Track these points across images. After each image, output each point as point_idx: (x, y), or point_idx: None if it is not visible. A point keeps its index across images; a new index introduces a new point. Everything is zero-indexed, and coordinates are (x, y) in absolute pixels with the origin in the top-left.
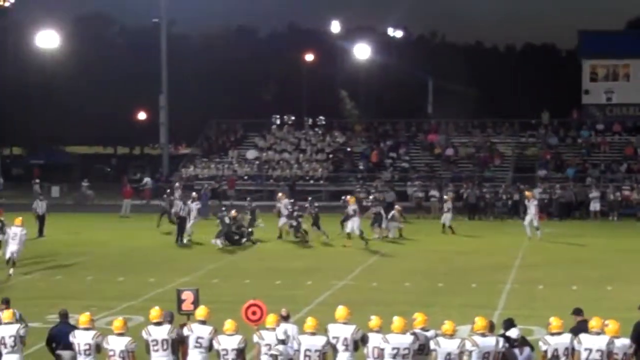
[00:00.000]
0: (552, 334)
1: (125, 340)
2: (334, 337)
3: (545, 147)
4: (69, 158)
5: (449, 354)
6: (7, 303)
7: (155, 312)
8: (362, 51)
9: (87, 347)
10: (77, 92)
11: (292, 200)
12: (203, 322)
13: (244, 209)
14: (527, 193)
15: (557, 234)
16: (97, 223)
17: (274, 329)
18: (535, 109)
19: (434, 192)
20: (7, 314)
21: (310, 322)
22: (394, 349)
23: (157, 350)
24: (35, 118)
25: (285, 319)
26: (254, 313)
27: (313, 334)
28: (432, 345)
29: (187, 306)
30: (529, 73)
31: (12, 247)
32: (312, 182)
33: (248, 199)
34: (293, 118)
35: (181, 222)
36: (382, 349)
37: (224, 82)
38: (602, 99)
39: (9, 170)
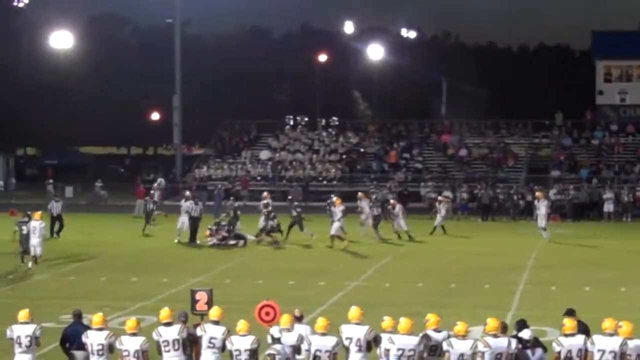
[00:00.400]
0: (566, 335)
1: (140, 340)
2: (347, 338)
3: (559, 148)
4: (83, 158)
5: (461, 355)
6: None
7: (164, 313)
8: (375, 52)
9: (100, 347)
10: (90, 93)
11: (266, 202)
12: (216, 323)
13: (225, 209)
14: (537, 194)
15: (571, 235)
16: (111, 223)
17: (288, 330)
18: (548, 110)
19: (447, 193)
20: (24, 314)
21: (321, 323)
22: (399, 349)
23: (168, 351)
24: (49, 118)
25: (299, 319)
26: (267, 314)
27: (324, 334)
28: (444, 346)
29: (201, 306)
30: (543, 74)
31: (33, 241)
32: (325, 182)
33: (231, 198)
34: (306, 118)
35: (193, 222)
36: (388, 349)
37: (238, 83)
38: (616, 100)
39: (22, 170)
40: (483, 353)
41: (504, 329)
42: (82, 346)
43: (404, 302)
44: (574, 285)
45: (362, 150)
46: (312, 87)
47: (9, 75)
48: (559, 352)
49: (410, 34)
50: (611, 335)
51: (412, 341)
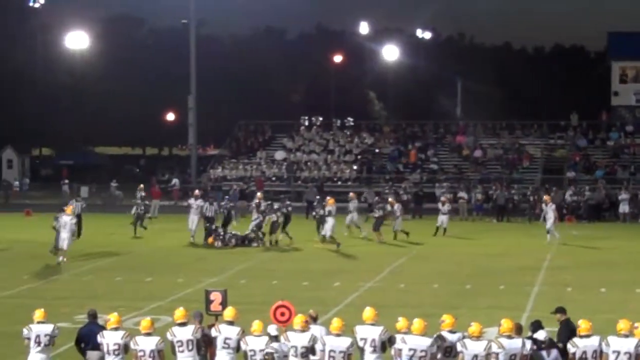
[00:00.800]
0: (581, 337)
1: (155, 339)
2: (361, 339)
3: (574, 148)
4: (98, 159)
5: (475, 356)
6: None
7: (179, 313)
8: (390, 52)
9: (117, 346)
10: (106, 93)
11: (257, 202)
12: (231, 323)
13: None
14: (545, 197)
15: (586, 236)
16: (126, 223)
17: (301, 331)
18: (564, 111)
19: (462, 194)
20: (40, 313)
21: (336, 324)
22: (410, 349)
23: (182, 351)
24: (64, 119)
25: (314, 320)
26: (282, 314)
27: (338, 335)
28: (458, 347)
29: (215, 307)
30: (558, 74)
31: (62, 235)
32: (340, 183)
33: (226, 197)
34: (321, 119)
35: (208, 222)
36: (400, 349)
37: (253, 83)
38: (632, 101)
39: (37, 170)
40: (497, 354)
41: (518, 330)
42: (97, 346)
43: (419, 303)
44: (589, 286)
45: (377, 151)
46: (327, 87)
47: (25, 75)
48: (574, 354)
49: (426, 35)
50: (626, 336)
51: (425, 342)
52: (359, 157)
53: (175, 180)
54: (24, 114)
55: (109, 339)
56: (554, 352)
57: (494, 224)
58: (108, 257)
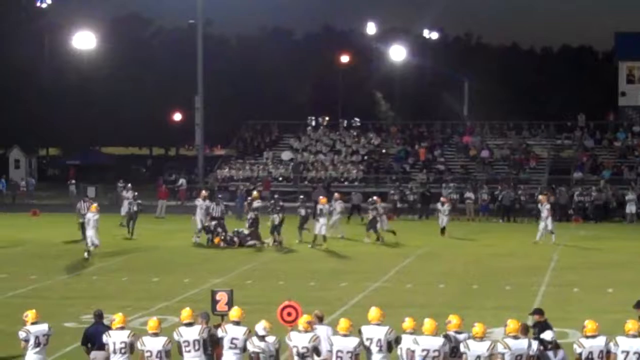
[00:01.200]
0: (587, 337)
1: (162, 340)
2: (367, 339)
3: (581, 149)
4: (105, 159)
5: (478, 356)
6: None
7: (185, 313)
8: (397, 52)
9: (123, 345)
10: (113, 93)
11: (249, 201)
12: (237, 323)
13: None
14: (540, 197)
15: (593, 236)
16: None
17: (305, 331)
18: (571, 111)
19: (469, 194)
20: (32, 314)
21: (343, 324)
22: (423, 350)
23: (189, 351)
24: (71, 119)
25: (320, 320)
26: (289, 314)
27: (346, 335)
28: (461, 348)
29: (221, 307)
30: (566, 75)
31: (88, 232)
32: (346, 183)
33: (219, 197)
34: (328, 119)
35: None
36: (413, 351)
37: (259, 83)
38: (639, 101)
39: (44, 170)
40: (503, 355)
41: (524, 331)
42: (103, 346)
43: (426, 303)
44: (596, 286)
45: (384, 151)
46: (334, 87)
47: (32, 75)
48: (580, 354)
49: (433, 35)
50: (634, 336)
51: (437, 342)
52: (365, 157)
53: (182, 181)
54: (31, 114)
55: (115, 338)
56: (561, 353)
57: (500, 225)
58: (114, 258)
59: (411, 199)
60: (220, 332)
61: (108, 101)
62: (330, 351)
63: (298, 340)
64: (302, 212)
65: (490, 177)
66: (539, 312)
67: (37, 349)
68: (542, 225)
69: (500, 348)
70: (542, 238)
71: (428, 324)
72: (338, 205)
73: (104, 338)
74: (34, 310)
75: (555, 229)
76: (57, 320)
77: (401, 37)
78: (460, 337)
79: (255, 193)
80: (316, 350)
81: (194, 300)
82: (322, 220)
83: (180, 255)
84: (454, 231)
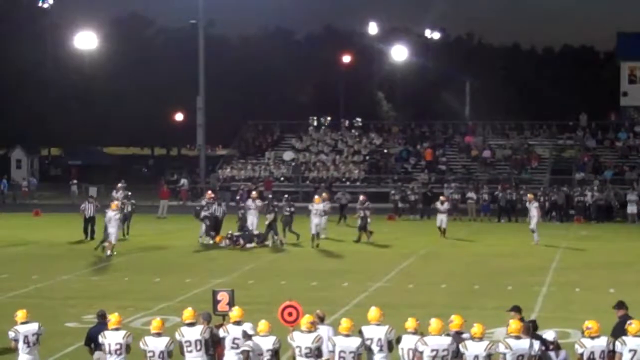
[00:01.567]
0: (591, 337)
1: (165, 340)
2: (367, 339)
3: (583, 149)
4: (107, 159)
5: (476, 356)
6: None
7: (187, 313)
8: (399, 52)
9: (118, 346)
10: (114, 93)
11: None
12: (238, 323)
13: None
14: (528, 196)
15: (595, 236)
16: (134, 224)
17: (308, 331)
18: (573, 111)
19: (471, 194)
20: (22, 314)
21: (345, 324)
22: (432, 350)
23: (190, 351)
24: (73, 119)
25: (322, 320)
26: (290, 314)
27: (347, 335)
28: (460, 348)
29: (222, 307)
30: (567, 75)
31: (110, 230)
32: (348, 183)
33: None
34: (330, 119)
35: (216, 222)
36: (421, 352)
37: (261, 84)
38: None
39: (46, 170)
40: (504, 355)
41: (526, 331)
42: None
43: (428, 303)
44: (598, 287)
45: (385, 151)
46: (336, 88)
47: (34, 75)
48: (582, 354)
49: (434, 35)
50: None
51: (445, 341)
52: (367, 157)
53: (183, 181)
54: (32, 114)
55: (111, 339)
56: (563, 353)
57: (502, 225)
58: (116, 257)
59: (412, 199)
60: (221, 332)
61: (110, 101)
62: (332, 351)
63: (301, 340)
64: (287, 211)
65: (491, 177)
66: (516, 309)
67: (28, 349)
68: (533, 223)
69: (501, 348)
70: (536, 239)
71: (435, 323)
72: (326, 206)
73: (100, 339)
74: (24, 310)
75: (537, 229)
76: (58, 321)
77: (403, 37)
78: (462, 337)
79: (254, 193)
80: (319, 351)
81: (196, 300)
82: (316, 220)
83: (181, 256)
84: (455, 231)
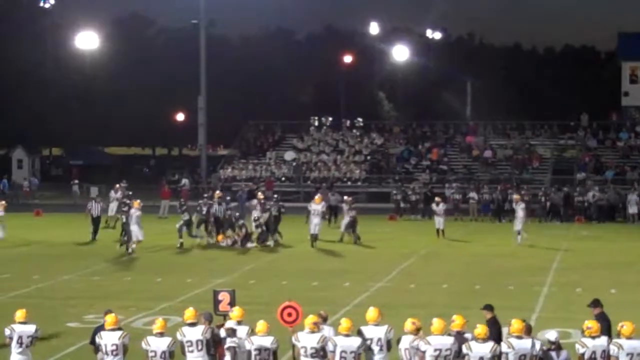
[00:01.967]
0: (591, 337)
1: (167, 340)
2: (367, 339)
3: (584, 149)
4: (108, 159)
5: (481, 358)
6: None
7: (189, 313)
8: (400, 52)
9: (114, 347)
10: (116, 93)
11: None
12: (239, 323)
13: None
14: (515, 197)
15: (596, 237)
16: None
17: (312, 332)
18: (574, 111)
19: (472, 194)
20: (21, 314)
21: (345, 324)
22: (436, 350)
23: (192, 352)
24: (74, 119)
25: (325, 320)
26: (289, 314)
27: (347, 335)
28: (464, 349)
29: (223, 307)
30: (568, 75)
31: (132, 228)
32: (349, 183)
33: (205, 196)
34: (331, 119)
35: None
36: (424, 351)
37: (262, 84)
38: None
39: (48, 170)
40: (507, 354)
41: (528, 331)
42: None
43: (429, 303)
44: (599, 287)
45: (386, 151)
46: (337, 88)
47: (35, 75)
48: (583, 354)
49: (436, 35)
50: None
51: (448, 341)
52: (368, 157)
53: (184, 181)
54: (33, 114)
55: (107, 339)
56: (564, 353)
57: (503, 225)
58: (117, 258)
59: (413, 199)
60: (222, 333)
61: (111, 101)
62: (333, 351)
63: (307, 341)
64: (274, 211)
65: (493, 177)
66: (488, 308)
67: (20, 349)
68: (517, 224)
69: (504, 348)
70: (517, 237)
71: (437, 323)
72: (323, 206)
73: (97, 339)
74: (24, 310)
75: (523, 231)
76: (59, 321)
77: (404, 37)
78: (465, 337)
79: (260, 193)
80: (324, 351)
81: (197, 300)
82: (316, 220)
83: (183, 255)
84: (457, 231)
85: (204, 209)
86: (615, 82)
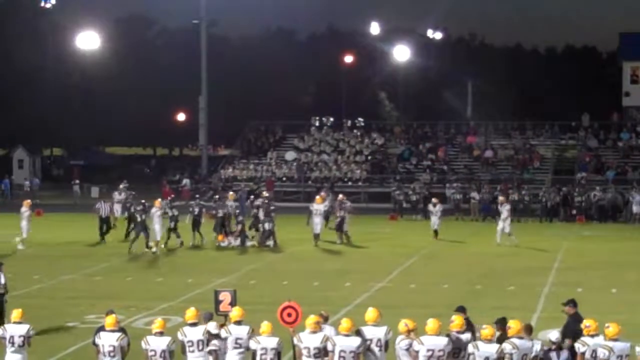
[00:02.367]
0: (590, 336)
1: (167, 340)
2: (367, 339)
3: (585, 149)
4: (109, 159)
5: (487, 358)
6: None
7: (190, 313)
8: (401, 52)
9: (112, 348)
10: (117, 93)
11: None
12: (239, 323)
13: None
14: (500, 198)
15: (597, 236)
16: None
17: (313, 332)
18: (575, 111)
19: (473, 194)
20: (17, 314)
21: (345, 324)
22: (428, 350)
23: (192, 352)
24: (75, 119)
25: (326, 320)
26: (289, 315)
27: (347, 335)
28: (470, 349)
29: (224, 307)
30: (569, 75)
31: (155, 227)
32: (350, 183)
33: (197, 197)
34: (332, 119)
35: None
36: (417, 351)
37: (263, 84)
38: None
39: (49, 170)
40: (511, 355)
41: (528, 331)
42: None
43: (429, 303)
44: (600, 287)
45: (387, 151)
46: (338, 88)
47: (36, 75)
48: (584, 353)
49: (437, 35)
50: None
51: (442, 341)
52: (369, 157)
53: (185, 181)
54: (35, 114)
55: (105, 340)
56: (565, 354)
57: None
58: (119, 257)
59: (414, 199)
60: (223, 333)
61: (112, 101)
62: (332, 351)
63: (309, 341)
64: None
65: (494, 177)
66: (461, 309)
67: (13, 349)
68: (500, 226)
69: (508, 348)
70: (506, 239)
71: (431, 323)
72: (324, 206)
73: (95, 339)
74: (20, 310)
75: (512, 230)
76: (61, 320)
77: (405, 37)
78: (463, 337)
79: (265, 193)
80: (325, 351)
81: (198, 300)
82: (317, 219)
83: (184, 255)
84: (457, 231)
85: (196, 210)
86: (616, 83)
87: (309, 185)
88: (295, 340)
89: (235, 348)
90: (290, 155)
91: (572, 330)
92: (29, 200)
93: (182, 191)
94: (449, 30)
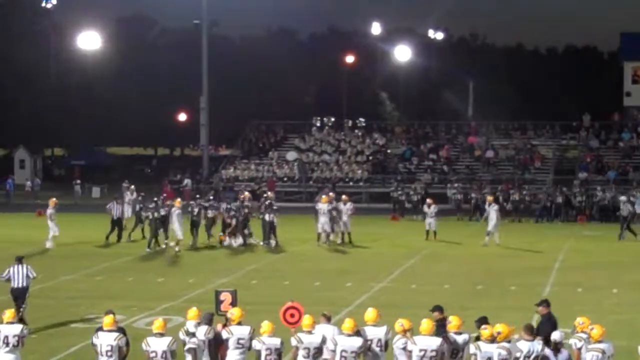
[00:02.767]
0: (584, 332)
1: (167, 340)
2: (368, 339)
3: (586, 149)
4: (110, 159)
5: (489, 359)
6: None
7: (192, 313)
8: (402, 53)
9: (109, 348)
10: (118, 94)
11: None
12: (240, 323)
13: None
14: (489, 198)
15: (598, 237)
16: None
17: (310, 332)
18: (576, 111)
19: (474, 194)
20: (9, 314)
21: (348, 324)
22: (421, 350)
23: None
24: (76, 119)
25: (328, 320)
26: (292, 315)
27: (350, 335)
28: (472, 349)
29: (225, 307)
30: (571, 75)
31: (175, 227)
32: (351, 184)
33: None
34: (333, 120)
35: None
36: (410, 351)
37: (264, 84)
38: None
39: (50, 170)
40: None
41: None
42: None
43: (430, 303)
44: (601, 287)
45: (389, 151)
46: (339, 88)
47: (37, 76)
48: (580, 348)
49: (438, 35)
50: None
51: (435, 342)
52: (370, 157)
53: (187, 181)
54: (36, 114)
55: (103, 340)
56: (565, 353)
57: (504, 225)
58: (120, 257)
59: (415, 199)
60: (225, 334)
61: (113, 101)
62: (334, 351)
63: (309, 341)
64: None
65: (495, 178)
66: (438, 309)
67: (7, 349)
68: (491, 225)
69: (513, 349)
70: (492, 238)
71: (426, 323)
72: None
73: (93, 339)
74: (12, 310)
75: (497, 230)
76: (62, 320)
77: (406, 37)
78: (460, 338)
79: (270, 193)
80: (321, 350)
81: (199, 300)
82: (323, 219)
83: (185, 255)
84: (458, 231)
85: (195, 211)
86: (617, 83)
87: (310, 185)
88: (295, 341)
89: (237, 348)
90: (291, 155)
91: (546, 330)
92: (54, 199)
93: (184, 191)
94: (450, 31)
